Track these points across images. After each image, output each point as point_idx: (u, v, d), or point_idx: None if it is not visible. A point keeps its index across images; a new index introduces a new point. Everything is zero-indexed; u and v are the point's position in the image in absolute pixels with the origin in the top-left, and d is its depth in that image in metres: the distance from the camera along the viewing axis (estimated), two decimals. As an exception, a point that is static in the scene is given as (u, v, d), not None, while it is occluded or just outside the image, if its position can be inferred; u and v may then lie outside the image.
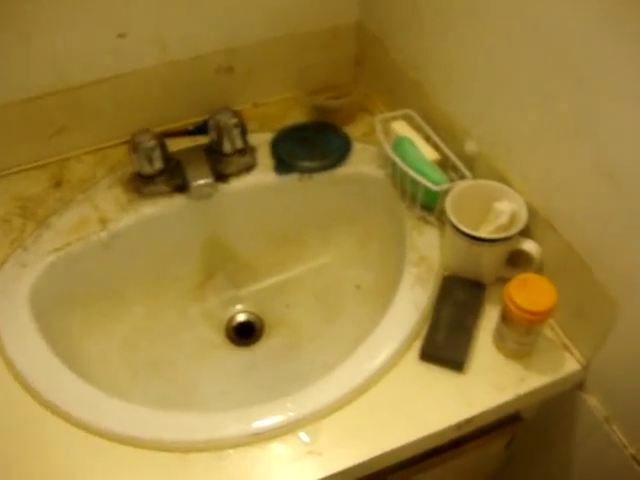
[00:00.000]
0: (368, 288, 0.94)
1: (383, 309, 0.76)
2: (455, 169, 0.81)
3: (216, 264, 0.95)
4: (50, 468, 0.65)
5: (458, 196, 0.75)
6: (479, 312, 0.75)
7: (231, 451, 0.65)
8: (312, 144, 0.92)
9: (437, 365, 0.71)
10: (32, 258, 0.81)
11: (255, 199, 0.91)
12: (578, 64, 0.60)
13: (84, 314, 0.86)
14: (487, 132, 0.77)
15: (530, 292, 0.66)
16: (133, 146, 0.83)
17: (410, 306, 0.75)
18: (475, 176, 0.80)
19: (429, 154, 0.83)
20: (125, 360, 0.87)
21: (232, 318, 0.95)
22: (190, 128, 0.96)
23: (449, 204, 0.74)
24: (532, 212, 0.72)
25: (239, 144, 0.87)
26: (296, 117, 0.99)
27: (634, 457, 0.70)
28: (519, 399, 0.70)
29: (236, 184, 0.89)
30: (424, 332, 0.73)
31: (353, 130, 0.96)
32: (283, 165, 0.91)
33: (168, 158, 0.86)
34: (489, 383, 0.70)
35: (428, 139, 0.86)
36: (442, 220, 0.81)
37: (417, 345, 0.73)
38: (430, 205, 0.82)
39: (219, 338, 0.93)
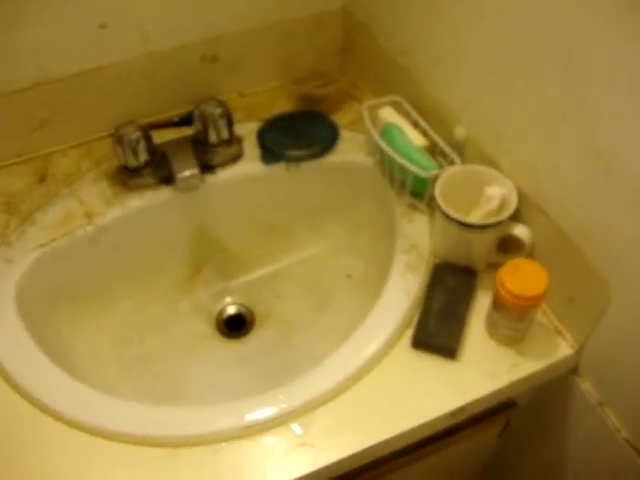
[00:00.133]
0: (359, 277, 0.93)
1: (374, 298, 0.76)
2: (444, 155, 0.81)
3: (205, 256, 0.94)
4: (41, 467, 0.64)
5: (447, 182, 0.74)
6: (471, 299, 0.75)
7: (223, 444, 0.64)
8: (299, 133, 0.91)
9: (429, 353, 0.71)
10: (17, 254, 0.80)
11: (242, 190, 0.90)
12: (566, 48, 0.60)
13: (72, 310, 0.85)
14: (476, 117, 0.77)
15: (522, 277, 0.65)
16: (117, 138, 0.82)
17: (401, 294, 0.74)
18: (464, 161, 0.79)
19: (417, 140, 0.83)
20: (115, 356, 0.86)
21: (222, 310, 0.94)
22: (175, 119, 0.94)
23: (438, 190, 0.73)
24: (522, 197, 0.72)
25: (225, 134, 0.86)
26: (283, 106, 0.98)
27: (627, 440, 0.70)
28: (512, 385, 0.69)
29: (223, 175, 0.88)
30: (416, 320, 0.73)
31: (340, 118, 0.95)
32: (270, 155, 0.90)
33: (153, 150, 0.85)
34: (482, 370, 0.70)
35: (416, 125, 0.85)
36: (432, 207, 0.80)
37: (409, 333, 0.72)
38: (419, 192, 0.81)
39: (209, 331, 0.92)
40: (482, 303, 0.75)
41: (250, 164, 0.89)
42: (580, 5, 0.56)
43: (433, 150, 0.82)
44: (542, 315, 0.74)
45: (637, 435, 0.69)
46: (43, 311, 0.80)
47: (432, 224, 0.80)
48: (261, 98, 1.00)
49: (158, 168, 0.85)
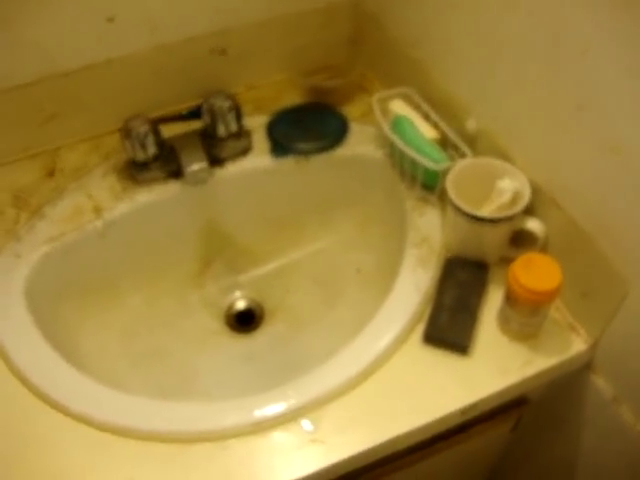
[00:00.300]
0: (369, 271, 0.92)
1: (384, 293, 0.75)
2: (455, 147, 0.79)
3: (214, 250, 0.93)
4: (49, 461, 0.63)
5: (459, 175, 0.73)
6: (482, 293, 0.74)
7: (232, 441, 0.64)
8: (308, 126, 0.90)
9: (441, 348, 0.70)
10: (26, 249, 0.80)
11: (251, 183, 0.89)
12: (581, 36, 0.58)
13: (80, 304, 0.84)
14: (489, 109, 0.75)
15: (535, 272, 0.64)
16: (126, 132, 0.82)
17: (412, 288, 0.73)
18: (476, 154, 0.78)
19: (428, 133, 0.81)
20: (123, 350, 0.85)
21: (231, 305, 0.94)
22: (183, 113, 0.93)
23: (450, 183, 0.72)
24: (535, 190, 0.71)
25: (234, 127, 0.85)
26: (292, 99, 0.97)
27: (643, 436, 0.69)
28: (525, 382, 0.69)
29: (232, 168, 0.87)
30: (427, 315, 0.72)
31: (350, 111, 0.94)
32: (279, 148, 0.89)
33: (162, 144, 0.84)
34: (494, 366, 0.69)
35: (427, 117, 0.84)
36: (443, 200, 0.79)
37: (420, 328, 0.71)
38: (430, 185, 0.80)
39: (218, 326, 0.91)
40: (494, 298, 0.73)
41: (259, 157, 0.89)
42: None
43: (444, 143, 0.81)
44: (555, 310, 0.73)
45: (653, 431, 0.68)
46: (52, 306, 0.80)
47: (443, 218, 0.79)
48: (270, 91, 0.99)
49: (167, 162, 0.85)
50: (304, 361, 0.83)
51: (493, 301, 0.73)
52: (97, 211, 0.84)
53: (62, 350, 0.72)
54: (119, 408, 0.66)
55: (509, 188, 0.71)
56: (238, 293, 0.95)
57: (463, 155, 0.78)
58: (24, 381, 0.69)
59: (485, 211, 0.72)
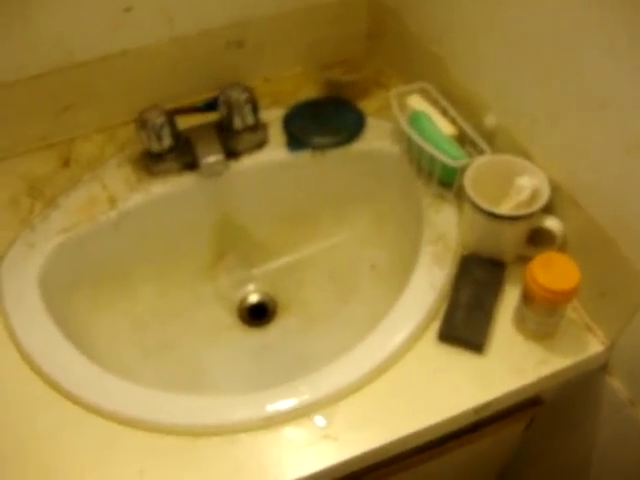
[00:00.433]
0: (383, 268, 0.92)
1: (398, 289, 0.74)
2: (473, 144, 0.79)
3: (228, 243, 0.93)
4: (58, 450, 0.63)
5: (477, 172, 0.72)
6: (499, 292, 0.73)
7: (243, 435, 0.64)
8: (325, 120, 0.90)
9: (456, 346, 0.69)
10: (40, 238, 0.80)
11: (267, 176, 0.89)
12: (606, 35, 0.57)
13: (93, 294, 0.84)
14: (509, 105, 0.74)
15: (553, 271, 0.63)
16: (141, 123, 0.81)
17: (427, 286, 0.73)
18: (494, 151, 0.77)
19: (446, 129, 0.81)
20: (135, 341, 0.85)
21: (244, 298, 0.93)
22: (199, 105, 0.93)
23: (468, 180, 0.71)
24: (555, 188, 0.70)
25: (250, 120, 0.84)
26: (308, 93, 0.96)
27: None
28: (540, 382, 0.68)
29: (247, 161, 0.87)
30: (442, 313, 0.71)
31: (367, 105, 0.93)
32: (295, 141, 0.88)
33: (177, 135, 0.84)
34: (509, 365, 0.68)
35: (445, 113, 0.83)
36: (460, 197, 0.79)
37: (435, 326, 0.71)
38: (448, 182, 0.79)
39: (231, 319, 0.91)
40: (510, 297, 0.73)
41: (275, 151, 0.88)
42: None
43: (462, 139, 0.80)
44: (572, 310, 0.72)
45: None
46: (64, 295, 0.80)
47: (460, 215, 0.79)
48: (286, 84, 0.99)
49: (182, 154, 0.84)
50: (316, 356, 0.83)
51: (509, 300, 0.73)
52: (111, 202, 0.83)
53: (74, 339, 0.72)
54: (130, 399, 0.66)
55: (528, 186, 0.70)
56: (251, 287, 0.94)
57: (481, 152, 0.77)
58: (35, 369, 0.69)
59: (503, 209, 0.71)
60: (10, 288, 0.75)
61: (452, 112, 0.82)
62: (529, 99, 0.71)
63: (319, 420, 0.64)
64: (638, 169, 0.59)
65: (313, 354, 0.84)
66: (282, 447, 0.63)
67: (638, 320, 0.65)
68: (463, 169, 0.74)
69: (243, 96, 0.83)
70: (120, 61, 0.88)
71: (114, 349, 0.82)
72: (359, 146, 0.89)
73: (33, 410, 0.66)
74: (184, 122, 0.87)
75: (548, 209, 0.70)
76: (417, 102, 0.84)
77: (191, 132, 0.85)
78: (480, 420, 0.71)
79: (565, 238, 0.71)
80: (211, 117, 0.88)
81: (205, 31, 0.90)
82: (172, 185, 0.85)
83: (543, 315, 0.66)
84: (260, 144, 0.88)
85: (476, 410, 0.66)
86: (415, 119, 0.81)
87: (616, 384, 0.71)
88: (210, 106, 0.91)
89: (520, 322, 0.70)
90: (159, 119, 0.81)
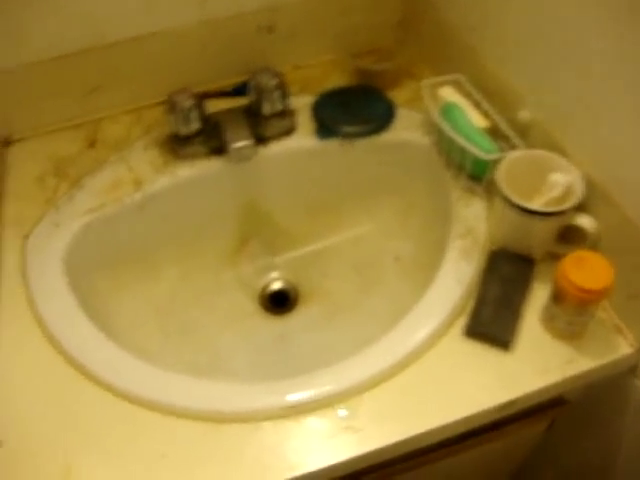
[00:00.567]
0: (407, 260, 0.91)
1: (422, 283, 0.73)
2: (506, 138, 0.77)
3: (252, 229, 0.93)
4: (80, 431, 0.63)
5: (510, 166, 0.71)
6: (527, 289, 0.72)
7: (266, 423, 0.63)
8: (355, 109, 0.89)
9: (481, 343, 0.68)
10: (65, 218, 0.80)
11: (294, 163, 0.88)
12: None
13: (115, 275, 0.84)
14: (545, 100, 0.73)
15: (586, 270, 0.62)
16: (170, 106, 0.81)
17: (454, 280, 0.72)
18: (527, 146, 0.76)
19: (479, 122, 0.79)
20: (155, 323, 0.85)
21: (266, 286, 0.93)
22: (228, 89, 0.92)
23: (501, 174, 0.70)
24: (590, 185, 0.68)
25: (279, 106, 0.84)
26: (338, 80, 0.95)
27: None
28: (566, 382, 0.67)
29: (275, 147, 0.86)
30: (469, 308, 0.70)
31: (397, 95, 0.92)
32: (324, 129, 0.87)
33: (206, 119, 0.83)
34: (535, 364, 0.67)
35: (478, 106, 0.81)
36: (490, 191, 0.77)
37: (461, 322, 0.70)
38: (478, 175, 0.78)
39: (252, 305, 0.91)
40: (538, 294, 0.71)
41: (303, 138, 0.87)
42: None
43: (494, 132, 0.79)
44: (602, 310, 0.71)
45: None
46: (88, 275, 0.80)
47: (490, 209, 0.77)
48: (316, 71, 0.98)
49: (210, 138, 0.84)
50: (336, 347, 0.82)
51: (537, 297, 0.71)
52: (137, 184, 0.83)
53: (96, 319, 0.72)
54: (153, 383, 0.66)
55: (562, 182, 0.69)
56: (274, 274, 0.94)
57: (513, 146, 0.76)
58: (58, 348, 0.69)
59: (535, 204, 0.70)
60: (35, 266, 0.75)
61: (485, 105, 0.81)
62: (567, 94, 0.69)
63: (341, 411, 0.64)
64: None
65: (333, 345, 0.83)
66: (304, 437, 0.62)
67: (671, 323, 0.64)
68: (494, 163, 0.73)
69: (273, 82, 0.82)
70: (150, 42, 0.88)
71: (133, 330, 0.82)
72: (388, 136, 0.87)
73: (55, 389, 0.66)
74: (212, 106, 0.86)
75: (582, 207, 0.69)
76: (449, 93, 0.83)
77: (220, 116, 0.84)
78: (501, 418, 0.70)
79: (597, 237, 0.69)
80: (239, 102, 0.87)
81: (236, 15, 0.89)
82: (199, 169, 0.84)
83: (573, 314, 0.65)
84: (288, 131, 0.87)
85: (499, 408, 0.65)
86: (447, 111, 0.80)
87: (644, 387, 0.70)
88: (238, 91, 0.91)
89: (548, 320, 0.68)
90: (188, 102, 0.80)
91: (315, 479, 0.62)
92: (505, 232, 0.74)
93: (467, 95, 0.82)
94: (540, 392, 0.66)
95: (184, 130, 0.82)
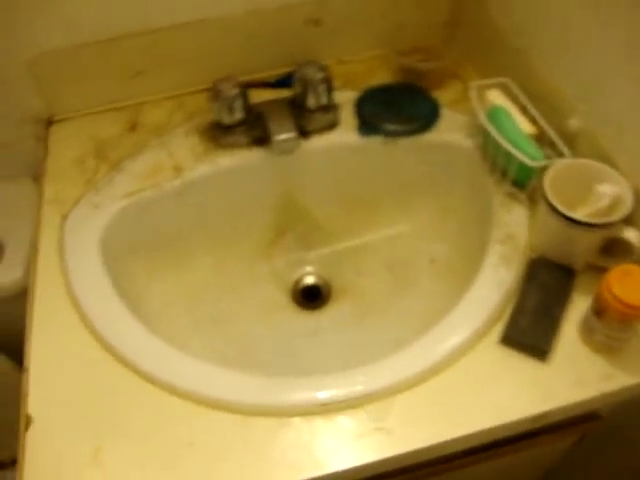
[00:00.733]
0: (442, 263, 0.90)
1: (457, 286, 0.73)
2: (553, 145, 0.76)
3: (288, 222, 0.92)
4: (111, 415, 0.64)
5: (557, 174, 0.70)
6: (567, 299, 0.70)
7: (296, 419, 0.63)
8: (398, 107, 0.88)
9: (518, 351, 0.67)
10: (104, 200, 0.80)
11: (335, 159, 0.87)
12: None
13: (150, 260, 0.85)
14: (597, 108, 0.71)
15: (631, 284, 0.61)
16: (215, 93, 0.80)
17: (493, 286, 0.70)
18: (574, 154, 0.74)
19: (525, 127, 0.78)
20: (187, 311, 0.85)
21: (299, 280, 0.93)
22: (272, 80, 0.92)
23: (547, 182, 0.69)
24: (638, 198, 0.67)
25: (324, 100, 0.83)
26: (382, 77, 0.94)
27: None
28: (603, 397, 0.65)
29: (317, 141, 0.86)
30: (506, 315, 0.69)
31: (441, 96, 0.91)
32: (367, 126, 0.86)
33: (249, 109, 0.83)
34: (571, 376, 0.66)
35: (524, 111, 0.80)
36: (533, 198, 0.76)
37: (497, 328, 0.69)
38: (522, 181, 0.77)
39: (284, 299, 0.90)
40: (578, 306, 0.70)
41: (346, 134, 0.87)
42: None
43: (541, 139, 0.77)
44: (642, 326, 0.69)
45: None
46: (123, 259, 0.80)
47: (532, 217, 0.76)
48: (361, 67, 0.97)
49: (252, 128, 0.83)
50: (367, 346, 0.82)
51: (577, 309, 0.70)
52: (177, 170, 0.83)
53: (130, 303, 0.72)
54: (186, 371, 0.65)
55: (610, 193, 0.67)
56: (307, 269, 0.93)
57: (560, 154, 0.74)
58: (90, 328, 0.69)
59: (580, 215, 0.68)
60: (72, 246, 0.76)
61: (532, 110, 0.79)
62: (621, 103, 0.68)
63: (372, 412, 0.63)
64: None
65: (365, 344, 0.83)
66: (333, 435, 0.62)
67: None
68: (539, 170, 0.71)
69: (319, 75, 0.81)
70: (196, 30, 0.88)
71: (166, 316, 0.82)
72: (432, 137, 0.86)
73: (89, 372, 0.67)
74: (255, 96, 0.86)
75: (630, 220, 0.67)
76: (496, 97, 0.81)
77: (263, 107, 0.84)
78: (532, 429, 0.69)
79: (644, 252, 0.68)
80: (282, 93, 0.87)
81: (284, 6, 0.89)
82: (239, 159, 0.84)
83: (615, 329, 0.63)
84: (331, 125, 0.86)
85: (532, 420, 0.64)
86: (493, 114, 0.78)
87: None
88: (282, 83, 0.90)
89: (588, 333, 0.67)
90: (233, 91, 0.80)
91: (340, 479, 0.61)
92: (547, 241, 0.72)
93: (514, 99, 0.81)
94: (575, 406, 0.65)
95: (227, 119, 0.82)
